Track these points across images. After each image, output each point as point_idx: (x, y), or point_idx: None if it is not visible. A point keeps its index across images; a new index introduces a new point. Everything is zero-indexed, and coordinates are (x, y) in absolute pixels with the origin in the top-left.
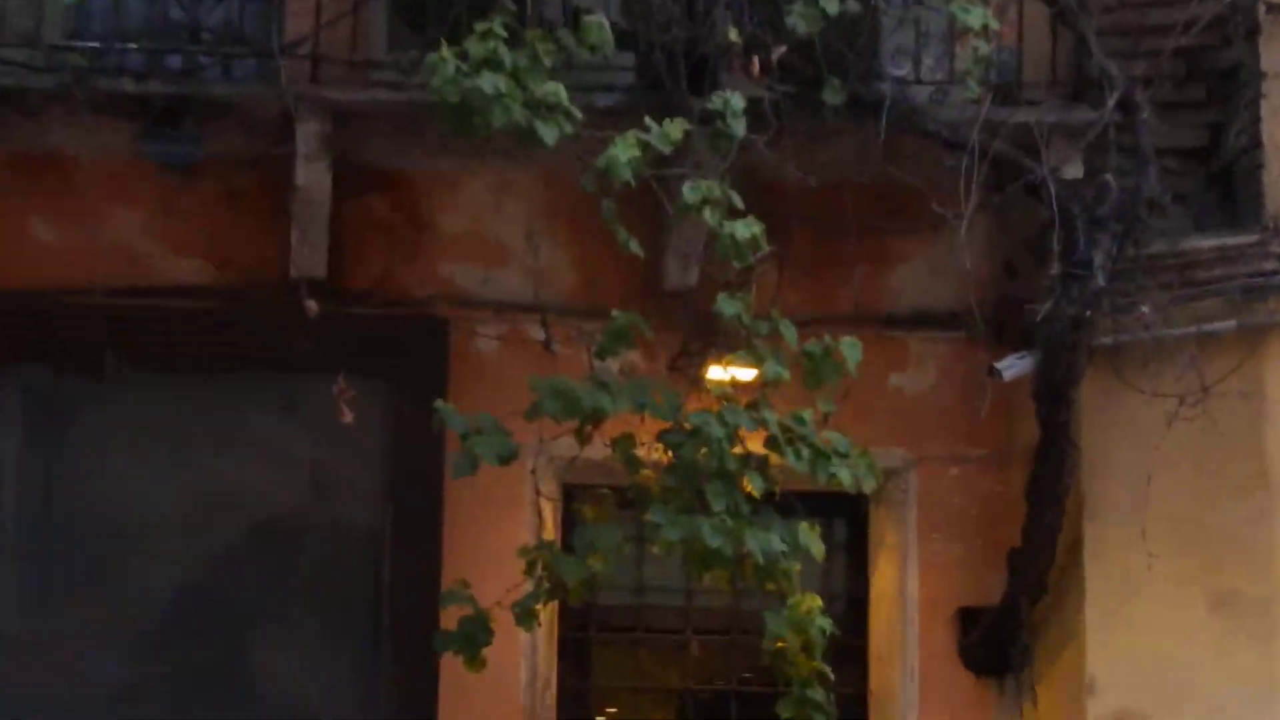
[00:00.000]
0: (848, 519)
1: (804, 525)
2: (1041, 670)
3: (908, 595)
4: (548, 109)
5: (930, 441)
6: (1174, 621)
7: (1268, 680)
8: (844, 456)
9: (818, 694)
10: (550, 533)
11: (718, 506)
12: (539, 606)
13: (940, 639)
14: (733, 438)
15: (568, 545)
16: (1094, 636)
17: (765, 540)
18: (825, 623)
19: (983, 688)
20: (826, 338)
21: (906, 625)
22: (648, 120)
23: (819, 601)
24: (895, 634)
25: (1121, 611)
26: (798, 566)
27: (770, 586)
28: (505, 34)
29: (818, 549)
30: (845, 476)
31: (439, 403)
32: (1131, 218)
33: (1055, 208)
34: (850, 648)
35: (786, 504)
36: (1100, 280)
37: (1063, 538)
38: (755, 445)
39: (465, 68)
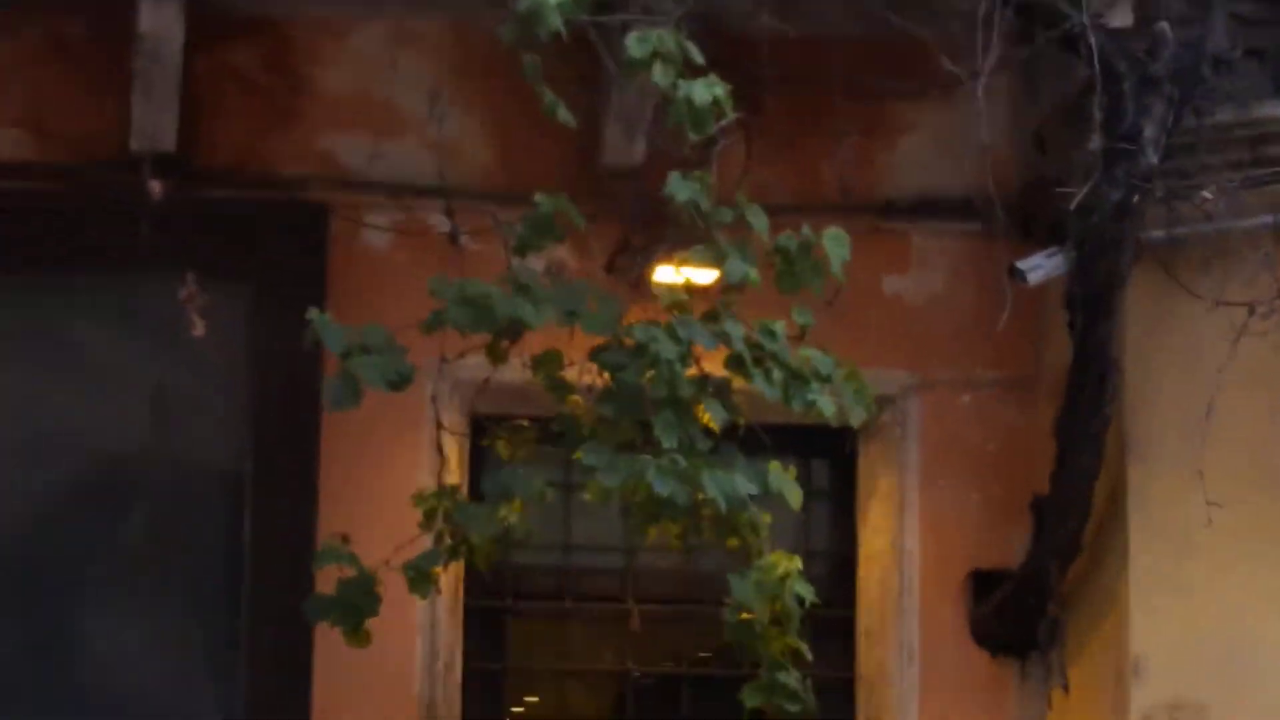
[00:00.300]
0: (831, 459)
1: (775, 466)
2: (1075, 649)
3: (906, 554)
4: None
5: (936, 361)
6: (1241, 587)
7: None
8: (826, 380)
9: (792, 678)
10: (454, 475)
11: (667, 443)
12: (439, 568)
13: (947, 610)
14: (687, 356)
15: (476, 491)
16: (1140, 606)
17: (727, 484)
18: (804, 589)
19: (1000, 670)
20: (806, 230)
21: (904, 592)
22: None
23: (797, 562)
24: (890, 603)
25: (1175, 575)
26: (768, 518)
27: (733, 543)
28: None
29: (794, 495)
30: (827, 405)
31: (314, 312)
32: (1193, 78)
33: (1097, 65)
34: (833, 620)
35: (754, 440)
36: (1152, 157)
37: (1101, 483)
38: (715, 366)
39: None
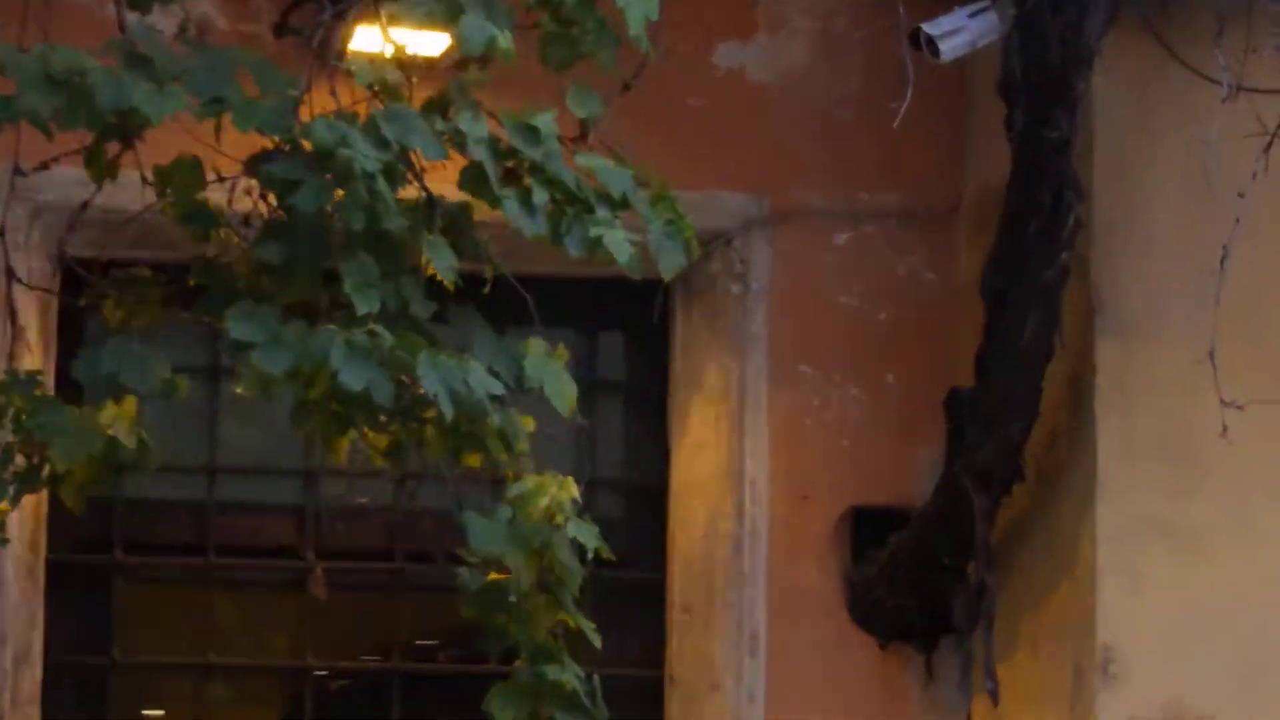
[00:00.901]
0: (629, 333)
1: (536, 345)
2: (1011, 634)
3: (748, 484)
4: None
5: (797, 179)
6: (1268, 536)
7: None
8: (621, 205)
9: (569, 675)
10: (34, 356)
11: (364, 306)
12: (4, 505)
13: (812, 572)
14: (399, 168)
15: (67, 382)
16: (1113, 566)
17: (454, 373)
18: (586, 534)
19: (894, 667)
20: None
21: (745, 545)
22: None
23: (573, 490)
24: (722, 562)
25: (1167, 517)
26: (530, 424)
27: (473, 463)
28: None
29: (563, 391)
30: (621, 246)
31: None
32: None
33: None
34: (634, 587)
35: (507, 301)
36: None
37: (1056, 370)
38: (444, 184)
39: None
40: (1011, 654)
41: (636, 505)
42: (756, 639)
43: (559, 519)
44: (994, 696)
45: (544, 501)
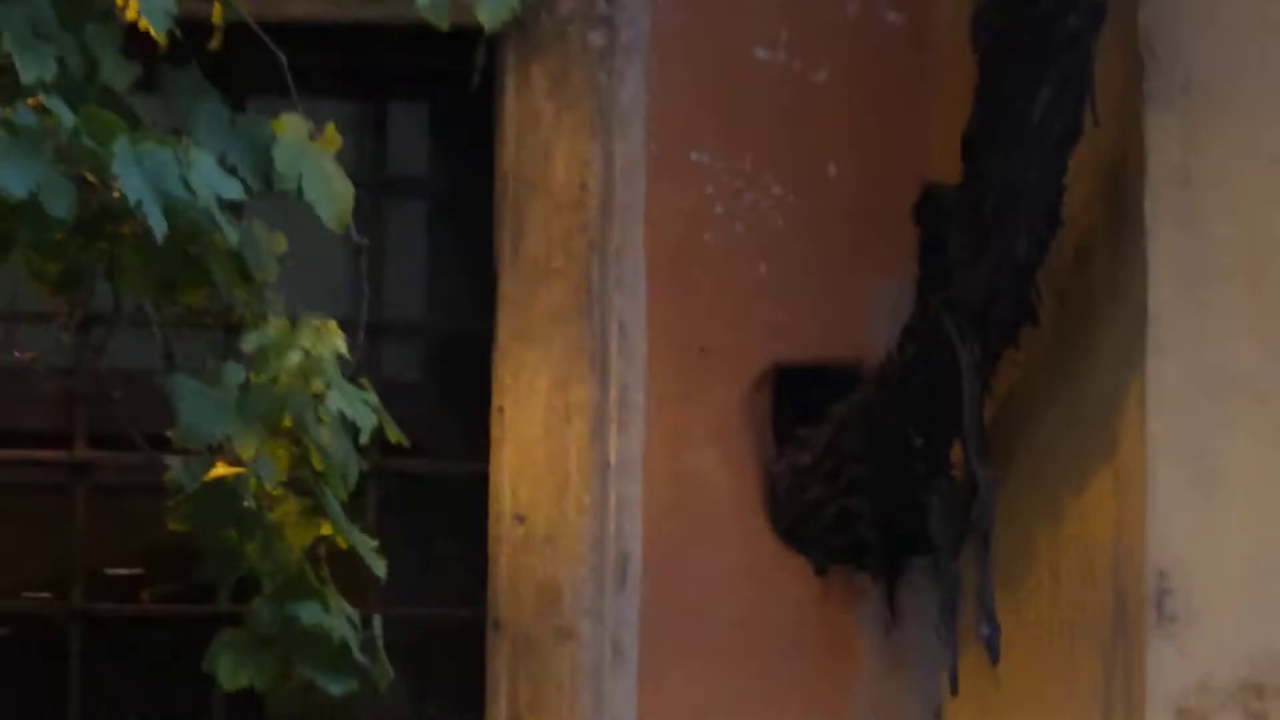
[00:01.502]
0: (433, 105)
1: (293, 124)
2: (1018, 555)
3: (613, 329)
4: None
5: None
6: None
7: None
8: None
9: (333, 616)
10: None
11: (33, 70)
12: None
13: (710, 460)
14: None
15: None
16: (1170, 451)
17: (174, 166)
18: (359, 404)
19: (837, 603)
20: None
21: (608, 419)
22: None
23: (337, 338)
24: (573, 446)
25: (1250, 371)
26: (280, 243)
27: (192, 301)
28: None
29: (333, 195)
30: None
31: None
32: None
33: None
34: (440, 483)
35: (249, 64)
36: None
37: (1083, 157)
38: None
39: None
40: (1020, 584)
41: (445, 364)
42: (627, 562)
43: (318, 384)
44: (992, 648)
45: (296, 357)
